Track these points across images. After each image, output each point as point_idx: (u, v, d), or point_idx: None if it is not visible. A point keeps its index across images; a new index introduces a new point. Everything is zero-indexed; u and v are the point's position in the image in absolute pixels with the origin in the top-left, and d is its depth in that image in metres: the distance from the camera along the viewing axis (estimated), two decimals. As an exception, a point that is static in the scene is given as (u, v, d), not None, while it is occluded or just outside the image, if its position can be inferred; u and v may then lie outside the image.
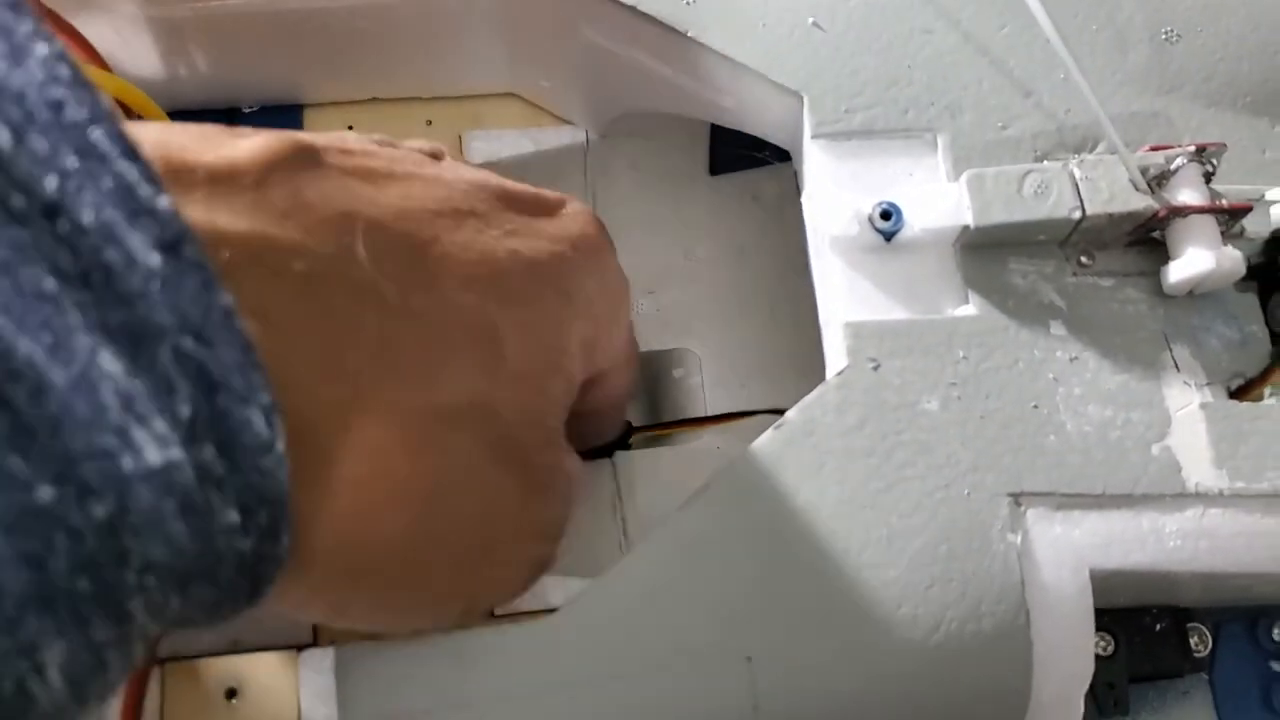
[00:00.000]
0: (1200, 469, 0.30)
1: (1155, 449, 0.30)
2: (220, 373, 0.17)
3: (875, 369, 0.30)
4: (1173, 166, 0.31)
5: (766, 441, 0.29)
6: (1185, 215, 0.31)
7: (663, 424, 0.42)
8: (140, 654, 0.18)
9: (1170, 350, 0.31)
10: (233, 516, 0.18)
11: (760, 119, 0.35)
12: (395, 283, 0.22)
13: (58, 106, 0.16)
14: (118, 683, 0.17)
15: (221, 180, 0.20)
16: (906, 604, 0.28)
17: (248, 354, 0.18)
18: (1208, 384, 0.31)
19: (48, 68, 0.16)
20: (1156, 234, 0.32)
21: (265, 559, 0.19)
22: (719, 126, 0.38)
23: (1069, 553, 0.29)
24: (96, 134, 0.16)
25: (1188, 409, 0.31)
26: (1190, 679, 0.33)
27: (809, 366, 0.41)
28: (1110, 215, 0.31)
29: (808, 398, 0.30)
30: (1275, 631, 0.34)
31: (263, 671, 0.27)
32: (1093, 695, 0.31)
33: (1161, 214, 0.31)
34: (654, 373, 0.43)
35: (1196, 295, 0.32)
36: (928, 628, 0.28)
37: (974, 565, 0.29)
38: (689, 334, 0.42)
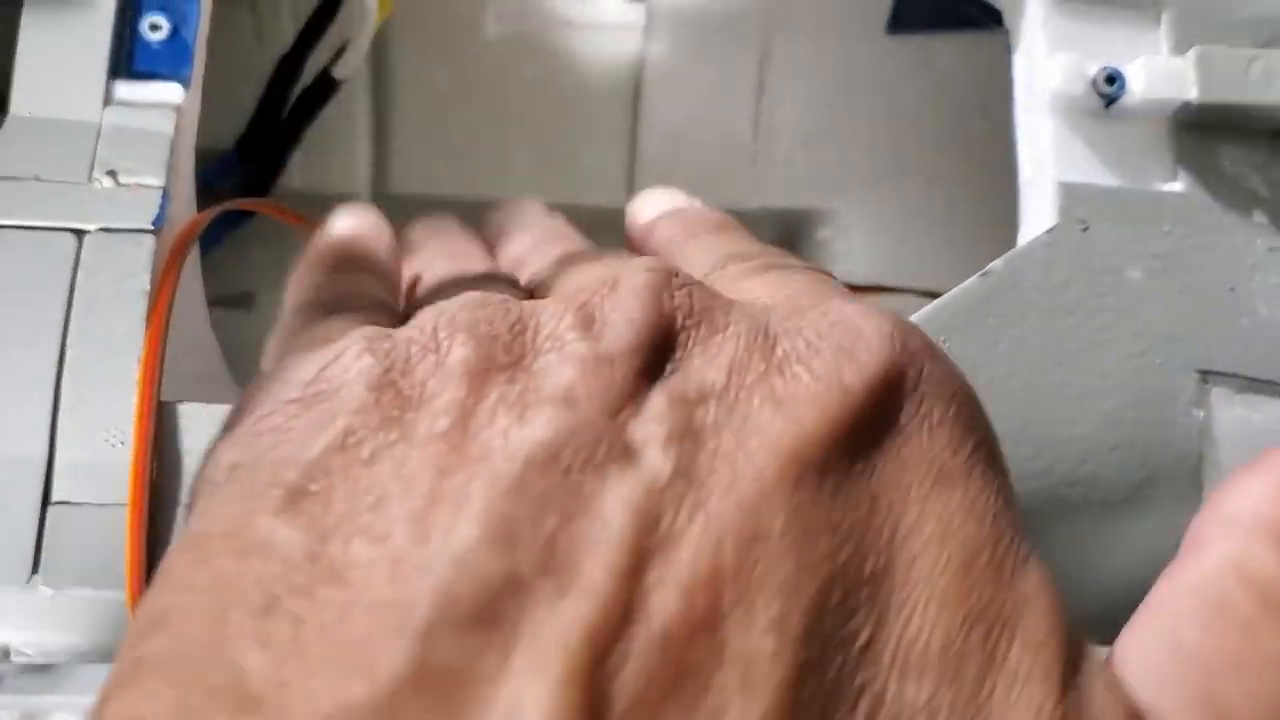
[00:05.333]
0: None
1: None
2: None
3: (1084, 230, 0.30)
4: None
5: (972, 286, 0.29)
6: None
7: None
8: None
9: None
10: None
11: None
12: None
13: None
14: None
15: None
16: (1090, 461, 0.28)
17: None
18: None
19: None
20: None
21: None
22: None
23: (1248, 435, 0.29)
24: None
25: None
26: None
27: (961, 243, 0.41)
28: (1329, 111, 0.31)
29: (1015, 250, 0.30)
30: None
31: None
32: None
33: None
34: (797, 230, 0.43)
35: None
36: (1107, 488, 0.29)
37: (1158, 433, 0.29)
38: (841, 195, 0.41)
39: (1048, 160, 0.31)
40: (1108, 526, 0.29)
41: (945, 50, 0.41)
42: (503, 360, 0.16)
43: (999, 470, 0.17)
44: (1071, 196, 0.30)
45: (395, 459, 0.15)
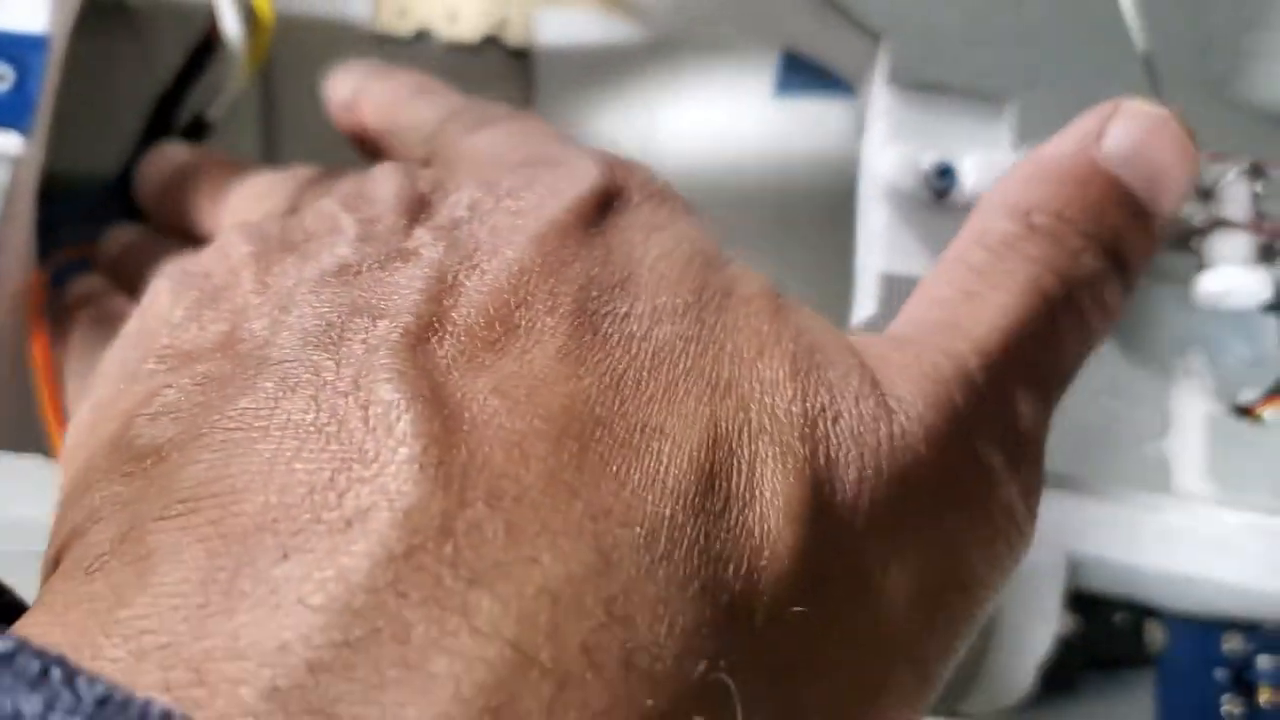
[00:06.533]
0: (1189, 475, 0.31)
1: (1150, 448, 0.31)
2: None
3: (900, 322, 0.30)
4: (1223, 179, 0.32)
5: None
6: (1226, 229, 0.31)
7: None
8: None
9: (1185, 357, 0.32)
10: None
11: (832, 51, 0.35)
12: None
13: None
14: None
15: None
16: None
17: None
18: (1214, 396, 0.32)
19: None
20: (1194, 243, 0.32)
21: None
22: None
23: (1049, 531, 0.30)
24: None
25: (1190, 416, 0.31)
26: (1138, 672, 0.35)
27: (837, 310, 0.42)
28: (1156, 215, 0.31)
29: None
30: (1224, 644, 0.35)
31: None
32: (1042, 670, 0.32)
33: (1203, 225, 0.31)
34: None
35: (1222, 309, 0.32)
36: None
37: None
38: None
39: (877, 250, 0.31)
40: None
41: (832, 115, 0.42)
42: (280, 246, 0.21)
43: (697, 219, 0.23)
44: (893, 289, 0.31)
45: (215, 315, 0.20)
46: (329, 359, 0.18)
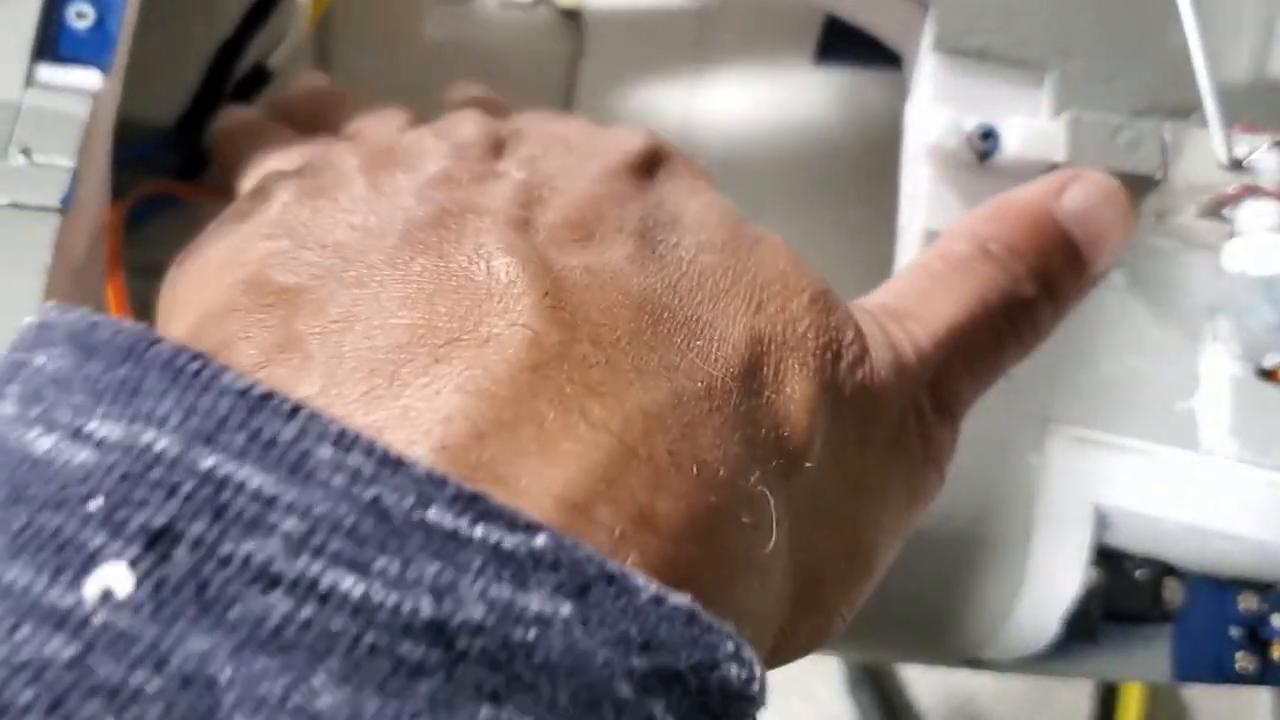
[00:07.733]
0: (1214, 434, 0.32)
1: (1179, 406, 0.32)
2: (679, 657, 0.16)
3: (943, 278, 0.32)
4: (1256, 150, 0.33)
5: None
6: (1256, 198, 0.33)
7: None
8: None
9: (1214, 320, 0.33)
10: None
11: (879, 18, 0.36)
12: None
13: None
14: None
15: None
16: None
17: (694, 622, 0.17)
18: (1240, 358, 0.33)
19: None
20: (1226, 210, 0.34)
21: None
22: (835, 17, 0.39)
23: (1079, 482, 0.31)
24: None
25: (1217, 377, 0.33)
26: (1156, 627, 0.36)
27: (873, 275, 0.43)
28: (1189, 184, 0.32)
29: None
30: (1241, 601, 0.36)
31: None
32: (1066, 620, 0.33)
33: (1235, 193, 0.32)
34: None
35: (1250, 275, 0.34)
36: (941, 515, 0.30)
37: (995, 470, 0.31)
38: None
39: (921, 208, 0.33)
40: (946, 557, 0.31)
41: (870, 85, 0.43)
42: (382, 163, 0.25)
43: (720, 192, 0.27)
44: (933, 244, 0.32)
45: (330, 205, 0.24)
46: (449, 235, 0.21)
